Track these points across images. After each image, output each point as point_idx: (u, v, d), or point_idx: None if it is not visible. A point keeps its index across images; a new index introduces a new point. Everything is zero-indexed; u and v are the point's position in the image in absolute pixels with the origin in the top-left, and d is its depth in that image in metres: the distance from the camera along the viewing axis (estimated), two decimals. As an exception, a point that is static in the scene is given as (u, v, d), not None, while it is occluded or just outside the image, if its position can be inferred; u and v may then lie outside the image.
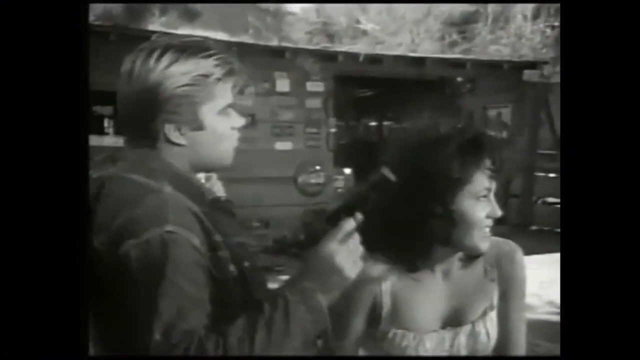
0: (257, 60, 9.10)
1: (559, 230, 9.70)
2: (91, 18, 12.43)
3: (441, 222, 1.47)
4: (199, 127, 1.44)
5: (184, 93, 1.40)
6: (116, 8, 10.28)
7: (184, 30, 11.33)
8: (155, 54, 1.40)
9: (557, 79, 12.35)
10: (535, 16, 14.71)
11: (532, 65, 11.93)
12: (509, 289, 1.62)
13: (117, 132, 9.55)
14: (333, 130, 10.74)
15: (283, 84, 9.99)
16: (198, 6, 13.49)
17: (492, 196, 1.50)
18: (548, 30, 14.62)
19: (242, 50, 9.23)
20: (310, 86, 10.23)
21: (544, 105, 10.77)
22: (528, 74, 11.34)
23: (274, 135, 9.89)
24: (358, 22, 21.79)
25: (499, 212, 1.51)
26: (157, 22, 11.89)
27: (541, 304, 5.84)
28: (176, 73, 1.39)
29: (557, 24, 13.97)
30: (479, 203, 1.49)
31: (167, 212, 1.31)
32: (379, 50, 15.73)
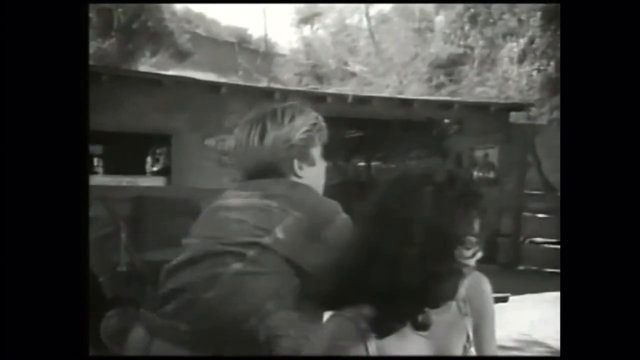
0: (246, 101, 9.16)
1: (546, 270, 9.64)
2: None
3: (453, 279, 1.45)
4: (312, 163, 1.98)
5: (305, 136, 1.96)
6: (109, 47, 10.36)
7: (174, 71, 11.42)
8: (279, 114, 1.95)
9: (543, 120, 12.50)
10: (521, 59, 14.91)
11: (519, 107, 12.07)
12: (481, 320, 1.61)
13: (107, 172, 9.56)
14: (322, 170, 10.76)
15: (272, 125, 10.03)
16: (189, 46, 13.61)
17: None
18: (534, 73, 14.82)
19: (232, 91, 9.31)
20: (300, 127, 10.29)
21: (530, 146, 10.88)
22: (515, 116, 11.45)
23: (263, 175, 9.90)
24: (346, 64, 22.01)
25: (480, 254, 1.49)
26: (147, 63, 11.98)
27: (531, 343, 5.84)
28: (298, 125, 1.95)
29: (542, 67, 14.18)
30: (470, 250, 1.47)
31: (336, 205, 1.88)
32: (367, 91, 15.87)
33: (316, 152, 2.00)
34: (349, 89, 16.71)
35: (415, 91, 17.20)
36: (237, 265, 1.74)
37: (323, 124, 2.03)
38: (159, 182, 9.51)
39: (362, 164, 15.94)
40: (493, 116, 11.31)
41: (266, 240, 1.75)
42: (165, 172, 9.75)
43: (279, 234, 1.75)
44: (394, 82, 19.33)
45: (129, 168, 9.43)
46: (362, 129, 14.05)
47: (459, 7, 15.20)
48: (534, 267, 9.96)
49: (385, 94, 15.36)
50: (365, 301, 1.47)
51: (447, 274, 1.43)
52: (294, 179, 1.94)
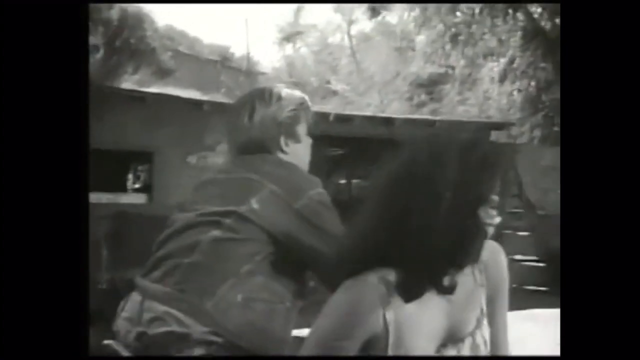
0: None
1: (527, 287, 9.66)
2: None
3: (478, 238, 1.44)
4: (297, 140, 2.12)
5: (291, 114, 2.09)
6: (92, 64, 10.35)
7: (157, 88, 11.41)
8: (267, 95, 2.10)
9: (523, 139, 12.61)
10: (502, 79, 15.06)
11: (500, 126, 12.17)
12: (496, 292, 1.59)
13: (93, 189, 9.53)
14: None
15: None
16: (172, 64, 13.61)
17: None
18: (515, 93, 14.97)
19: (214, 109, 9.32)
20: (281, 144, 10.27)
21: (511, 165, 10.97)
22: (495, 135, 11.56)
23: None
24: (328, 82, 22.12)
25: (498, 219, 1.48)
26: (130, 80, 11.97)
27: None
28: (285, 104, 2.09)
29: (522, 87, 14.33)
30: (491, 211, 1.46)
31: (314, 179, 1.99)
32: (348, 110, 15.94)
33: (302, 129, 2.14)
34: (331, 107, 16.77)
35: (396, 110, 17.32)
36: (215, 232, 1.87)
37: (309, 103, 2.18)
38: (140, 199, 9.47)
39: (343, 181, 15.99)
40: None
41: (242, 209, 1.87)
42: (146, 189, 9.72)
43: (254, 205, 1.87)
44: (375, 100, 19.44)
45: (110, 185, 9.40)
46: (344, 147, 14.10)
47: (440, 26, 15.34)
48: (514, 285, 9.99)
49: (367, 112, 15.44)
50: (389, 265, 1.44)
51: (473, 232, 1.42)
52: (281, 155, 2.08)
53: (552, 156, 11.16)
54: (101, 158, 9.19)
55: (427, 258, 1.41)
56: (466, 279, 1.51)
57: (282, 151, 2.09)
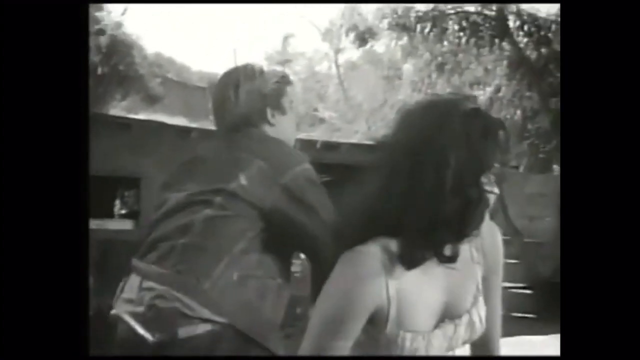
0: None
1: (513, 314, 9.68)
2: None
3: (481, 206, 1.42)
4: (283, 112, 2.15)
5: (275, 86, 2.13)
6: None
7: (145, 114, 11.43)
8: (249, 70, 2.15)
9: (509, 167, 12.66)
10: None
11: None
12: (492, 270, 1.59)
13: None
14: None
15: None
16: (160, 90, 13.64)
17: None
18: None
19: (202, 135, 9.33)
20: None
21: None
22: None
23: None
24: (316, 110, 22.19)
25: (497, 189, 1.46)
26: (118, 107, 11.99)
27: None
28: (268, 77, 2.15)
29: (509, 115, 14.45)
30: (492, 179, 1.45)
31: (300, 155, 2.04)
32: (336, 137, 16.00)
33: (287, 102, 2.17)
34: (318, 134, 16.83)
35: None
36: (207, 211, 1.90)
37: (291, 79, 2.24)
38: (127, 225, 9.43)
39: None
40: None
41: (231, 186, 1.90)
42: (133, 215, 9.69)
43: (243, 181, 1.90)
44: (363, 128, 19.52)
45: (97, 211, 9.35)
46: (331, 174, 14.15)
47: (427, 55, 15.48)
48: (502, 312, 10.00)
49: (354, 139, 15.50)
50: (391, 235, 1.42)
51: (476, 200, 1.41)
52: (267, 127, 2.12)
53: (537, 184, 11.24)
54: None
55: (429, 225, 1.39)
56: (464, 256, 1.49)
57: (269, 123, 2.13)
